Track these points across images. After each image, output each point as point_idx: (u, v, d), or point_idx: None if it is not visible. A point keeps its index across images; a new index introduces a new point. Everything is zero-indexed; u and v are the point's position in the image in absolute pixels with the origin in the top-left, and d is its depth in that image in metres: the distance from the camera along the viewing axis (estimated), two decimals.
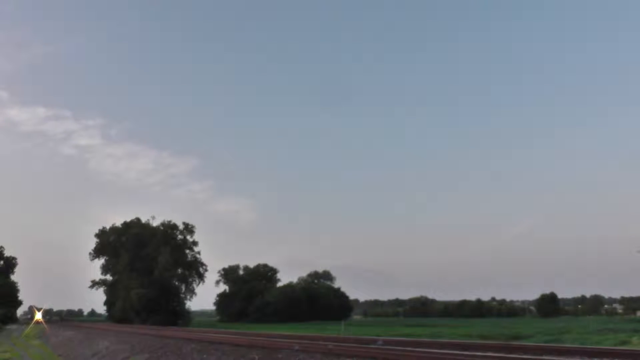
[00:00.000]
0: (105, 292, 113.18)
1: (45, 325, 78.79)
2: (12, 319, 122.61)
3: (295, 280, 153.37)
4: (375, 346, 19.57)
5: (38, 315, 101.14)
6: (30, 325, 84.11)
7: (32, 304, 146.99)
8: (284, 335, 30.18)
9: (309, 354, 18.21)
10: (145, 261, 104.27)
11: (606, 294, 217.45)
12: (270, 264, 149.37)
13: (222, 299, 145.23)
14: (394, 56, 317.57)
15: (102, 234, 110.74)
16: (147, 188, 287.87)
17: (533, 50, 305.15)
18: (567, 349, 17.73)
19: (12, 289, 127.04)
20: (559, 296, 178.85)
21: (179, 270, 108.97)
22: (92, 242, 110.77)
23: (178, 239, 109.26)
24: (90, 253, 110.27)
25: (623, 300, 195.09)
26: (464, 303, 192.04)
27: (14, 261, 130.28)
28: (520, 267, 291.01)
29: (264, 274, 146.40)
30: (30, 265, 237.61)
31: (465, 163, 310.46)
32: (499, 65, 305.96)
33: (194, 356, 22.36)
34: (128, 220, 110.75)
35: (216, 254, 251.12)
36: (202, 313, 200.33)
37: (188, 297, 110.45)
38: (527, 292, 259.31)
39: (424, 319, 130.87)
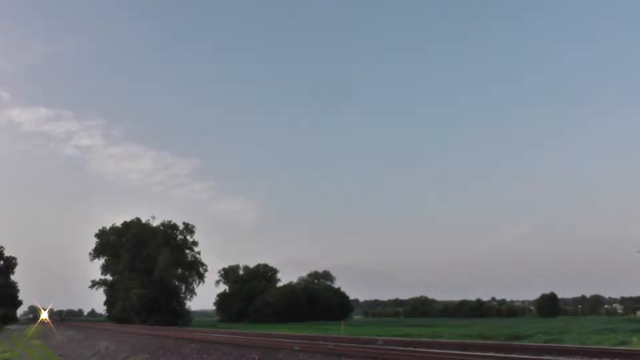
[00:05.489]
0: (105, 292, 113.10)
1: (52, 326, 76.17)
2: (12, 319, 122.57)
3: (295, 280, 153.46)
4: (375, 346, 19.57)
5: (44, 315, 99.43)
6: (35, 325, 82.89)
7: (32, 304, 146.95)
8: (284, 335, 30.18)
9: (309, 354, 18.22)
10: (145, 261, 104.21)
11: (606, 294, 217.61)
12: (270, 264, 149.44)
13: (222, 299, 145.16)
14: (394, 56, 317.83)
15: (102, 234, 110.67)
16: (148, 188, 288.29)
17: (533, 50, 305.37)
18: (567, 349, 17.73)
19: (12, 289, 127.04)
20: (559, 296, 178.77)
21: (179, 270, 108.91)
22: (92, 242, 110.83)
23: (178, 239, 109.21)
24: (90, 253, 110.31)
25: (623, 300, 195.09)
26: (464, 303, 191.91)
27: (14, 261, 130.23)
28: (520, 267, 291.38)
29: (264, 274, 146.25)
30: (30, 265, 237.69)
31: (466, 163, 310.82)
32: (499, 65, 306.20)
33: (194, 356, 22.37)
34: (128, 220, 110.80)
35: (216, 254, 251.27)
36: (202, 313, 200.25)
37: (188, 297, 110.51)
38: (527, 292, 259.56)
39: (424, 319, 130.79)
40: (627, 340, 36.88)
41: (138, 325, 71.29)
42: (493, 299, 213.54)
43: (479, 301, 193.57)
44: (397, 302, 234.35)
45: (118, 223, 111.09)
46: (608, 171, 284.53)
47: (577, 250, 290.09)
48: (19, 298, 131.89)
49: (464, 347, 20.36)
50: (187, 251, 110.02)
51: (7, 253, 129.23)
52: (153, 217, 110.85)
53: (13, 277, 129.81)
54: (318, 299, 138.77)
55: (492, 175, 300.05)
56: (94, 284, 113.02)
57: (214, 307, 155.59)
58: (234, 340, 25.58)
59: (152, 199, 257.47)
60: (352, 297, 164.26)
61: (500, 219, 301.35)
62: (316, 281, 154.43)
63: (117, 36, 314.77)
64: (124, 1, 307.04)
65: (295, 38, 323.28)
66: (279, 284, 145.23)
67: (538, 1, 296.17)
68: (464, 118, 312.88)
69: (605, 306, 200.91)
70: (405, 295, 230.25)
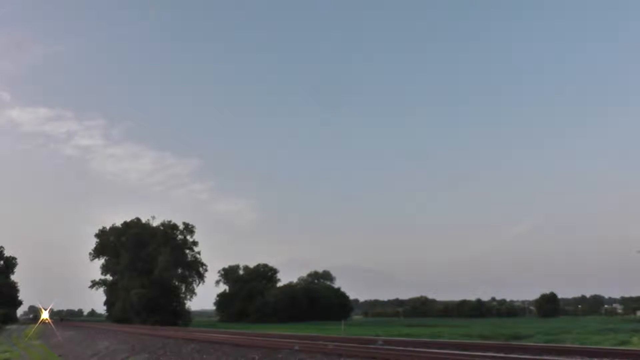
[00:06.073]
0: (105, 292, 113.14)
1: (53, 326, 75.04)
2: (12, 319, 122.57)
3: (295, 280, 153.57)
4: (375, 346, 19.57)
5: (45, 315, 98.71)
6: (36, 325, 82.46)
7: (33, 304, 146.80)
8: (284, 335, 30.18)
9: (309, 354, 18.21)
10: (145, 261, 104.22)
11: (606, 294, 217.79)
12: (270, 264, 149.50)
13: (222, 299, 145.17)
14: (394, 56, 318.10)
15: (102, 234, 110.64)
16: (148, 188, 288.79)
17: (533, 51, 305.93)
18: (567, 349, 17.73)
19: (12, 289, 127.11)
20: (559, 296, 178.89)
21: (179, 270, 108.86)
22: (92, 242, 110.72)
23: (178, 239, 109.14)
24: (90, 253, 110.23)
25: (623, 300, 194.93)
26: (464, 303, 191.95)
27: (14, 261, 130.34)
28: (520, 267, 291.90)
29: (264, 274, 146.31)
30: (30, 265, 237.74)
31: (466, 163, 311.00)
32: (499, 66, 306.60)
33: (194, 356, 22.36)
34: (128, 220, 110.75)
35: (216, 254, 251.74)
36: (202, 313, 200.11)
37: (188, 297, 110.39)
38: (527, 292, 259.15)
39: (424, 319, 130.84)
40: (627, 340, 36.90)
41: (138, 325, 71.25)
42: (493, 299, 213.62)
43: (479, 301, 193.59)
44: (397, 302, 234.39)
45: (118, 223, 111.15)
46: (608, 171, 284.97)
47: (577, 250, 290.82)
48: (19, 298, 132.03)
49: (464, 347, 20.36)
50: (187, 251, 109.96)
51: (7, 253, 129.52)
52: (153, 217, 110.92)
53: (13, 277, 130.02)
54: (318, 299, 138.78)
55: (492, 175, 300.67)
56: (94, 284, 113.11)
57: (214, 307, 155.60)
58: (234, 340, 25.58)
59: (152, 199, 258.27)
60: (352, 297, 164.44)
61: (500, 219, 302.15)
62: (316, 281, 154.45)
63: (117, 36, 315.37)
64: (124, 1, 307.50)
65: (296, 38, 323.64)
66: (279, 284, 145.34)
67: (538, 1, 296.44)
68: (464, 118, 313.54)
69: (605, 306, 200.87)
70: (405, 295, 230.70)
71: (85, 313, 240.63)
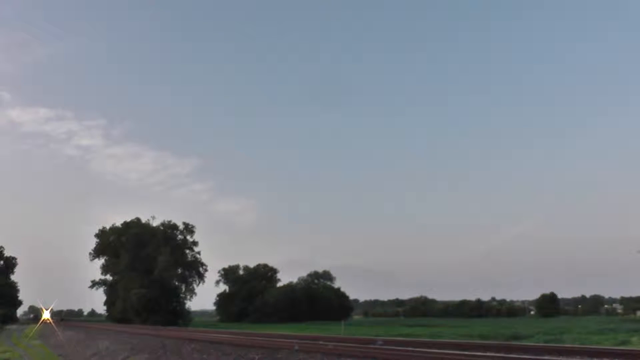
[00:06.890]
0: (105, 292, 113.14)
1: (55, 326, 74.69)
2: (12, 319, 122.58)
3: (295, 280, 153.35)
4: (375, 346, 19.58)
5: (46, 314, 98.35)
6: (37, 325, 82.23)
7: (33, 304, 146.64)
8: (284, 335, 30.21)
9: (309, 354, 18.22)
10: (145, 261, 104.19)
11: (606, 294, 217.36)
12: (270, 264, 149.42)
13: (222, 299, 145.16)
14: (393, 56, 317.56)
15: (102, 234, 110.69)
16: (148, 188, 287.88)
17: (533, 50, 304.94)
18: (567, 349, 17.74)
19: (12, 289, 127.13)
20: (559, 296, 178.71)
21: (179, 270, 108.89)
22: (92, 242, 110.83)
23: (178, 239, 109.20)
24: (90, 253, 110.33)
25: (623, 300, 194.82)
26: (464, 303, 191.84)
27: (14, 261, 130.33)
28: (520, 267, 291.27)
29: (264, 274, 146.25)
30: (30, 265, 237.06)
31: (465, 163, 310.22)
32: (498, 64, 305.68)
33: (194, 356, 22.36)
34: (128, 220, 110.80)
35: (216, 254, 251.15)
36: (202, 313, 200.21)
37: (188, 297, 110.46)
38: (527, 292, 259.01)
39: (424, 319, 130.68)
40: (627, 340, 36.89)
41: (138, 325, 71.24)
42: (493, 299, 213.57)
43: (479, 301, 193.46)
44: (397, 302, 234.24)
45: (118, 223, 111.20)
46: (608, 171, 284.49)
47: (577, 250, 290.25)
48: (19, 298, 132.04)
49: (464, 347, 20.36)
50: (187, 251, 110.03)
51: (7, 253, 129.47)
52: (153, 217, 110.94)
53: (13, 277, 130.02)
54: (318, 299, 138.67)
55: (492, 175, 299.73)
56: (94, 284, 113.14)
57: (214, 307, 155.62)
58: (234, 340, 25.60)
59: (152, 199, 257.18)
60: (352, 297, 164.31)
61: (500, 219, 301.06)
62: (316, 281, 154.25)
63: (117, 36, 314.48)
64: (124, 1, 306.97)
65: (295, 37, 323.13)
66: (279, 284, 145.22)
67: (538, 1, 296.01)
68: (464, 118, 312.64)
69: (605, 306, 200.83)
70: (405, 295, 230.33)
71: (85, 313, 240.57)
